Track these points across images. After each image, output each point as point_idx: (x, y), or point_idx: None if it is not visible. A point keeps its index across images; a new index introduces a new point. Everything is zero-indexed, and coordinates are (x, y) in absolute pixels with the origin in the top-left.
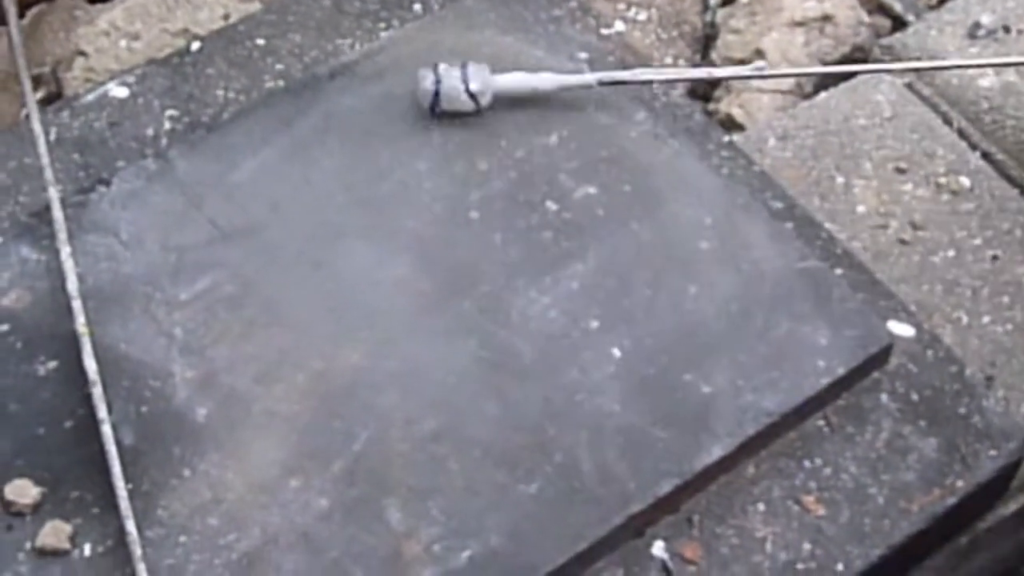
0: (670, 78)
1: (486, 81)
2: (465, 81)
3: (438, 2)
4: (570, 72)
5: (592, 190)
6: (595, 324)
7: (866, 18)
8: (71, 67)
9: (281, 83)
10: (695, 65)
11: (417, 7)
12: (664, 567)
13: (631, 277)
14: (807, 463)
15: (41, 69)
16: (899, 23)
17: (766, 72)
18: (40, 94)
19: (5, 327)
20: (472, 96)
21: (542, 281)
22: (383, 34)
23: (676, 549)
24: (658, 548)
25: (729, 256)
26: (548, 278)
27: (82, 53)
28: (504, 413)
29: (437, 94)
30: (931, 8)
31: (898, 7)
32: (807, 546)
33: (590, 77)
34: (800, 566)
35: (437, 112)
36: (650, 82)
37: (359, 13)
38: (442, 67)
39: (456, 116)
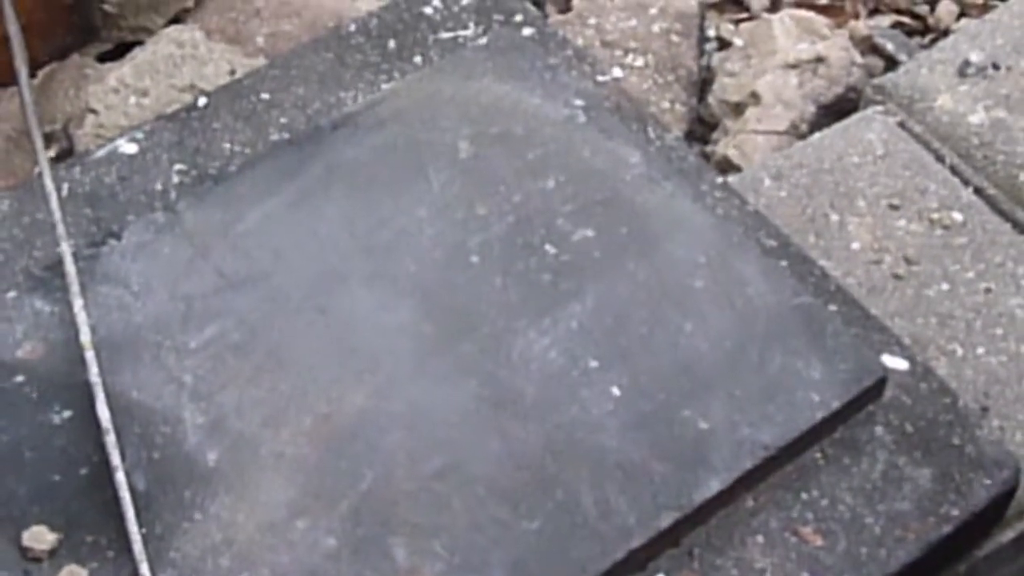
0: None
1: None
2: None
3: (437, 53)
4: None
5: (589, 232)
6: (594, 363)
7: (859, 59)
8: (82, 124)
9: (285, 135)
10: (691, 109)
11: (417, 59)
12: None
13: (628, 316)
14: (804, 495)
15: (53, 126)
16: (892, 63)
17: None
18: (52, 151)
19: (20, 378)
20: None
21: (542, 322)
22: (384, 86)
23: None
24: None
25: (724, 294)
26: (548, 319)
27: (92, 110)
28: (506, 451)
29: None
30: (923, 48)
31: (890, 47)
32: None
33: None
34: None
35: None
36: None
37: (360, 66)
38: None
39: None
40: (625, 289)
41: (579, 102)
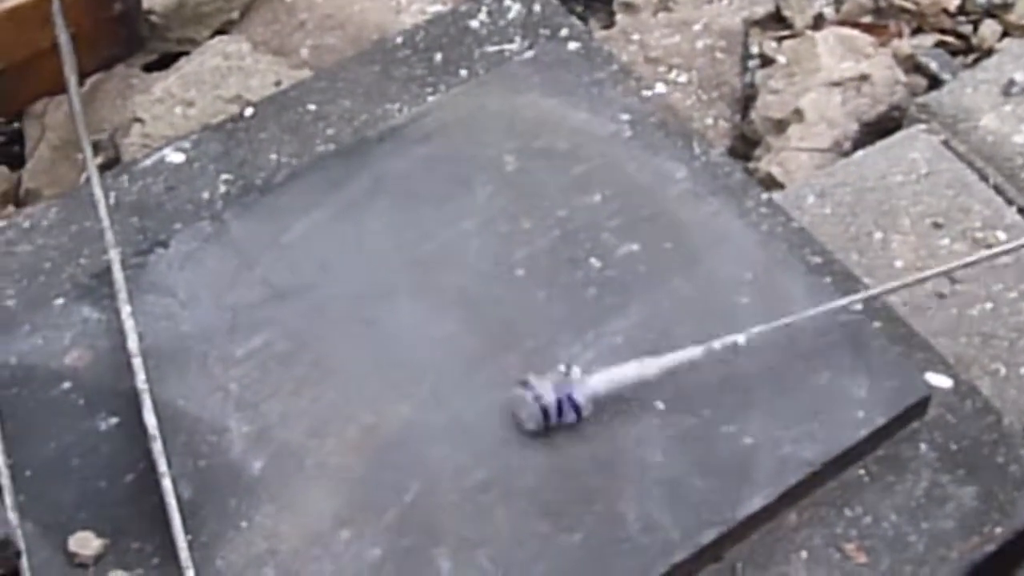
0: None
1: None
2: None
3: (483, 67)
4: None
5: (634, 247)
6: None
7: (903, 77)
8: (128, 133)
9: (331, 147)
10: (735, 126)
11: (463, 72)
12: None
13: (673, 331)
14: (848, 511)
15: (100, 136)
16: (935, 82)
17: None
18: (99, 160)
19: (67, 385)
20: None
21: (586, 336)
22: (430, 98)
23: None
24: None
25: (768, 310)
26: (592, 333)
27: (139, 120)
28: (550, 464)
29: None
30: (966, 67)
31: (934, 66)
32: None
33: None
34: None
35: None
36: None
37: (406, 78)
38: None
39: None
40: (670, 304)
41: (625, 117)
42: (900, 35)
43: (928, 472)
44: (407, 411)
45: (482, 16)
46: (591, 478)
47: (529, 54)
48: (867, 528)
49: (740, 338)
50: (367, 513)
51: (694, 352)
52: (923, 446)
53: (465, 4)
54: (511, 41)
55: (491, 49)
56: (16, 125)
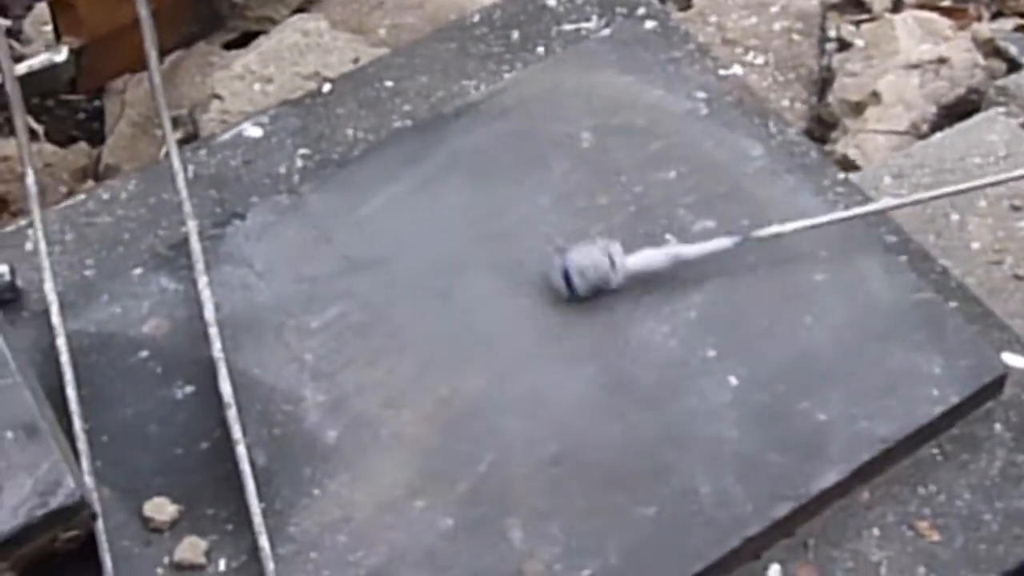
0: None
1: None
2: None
3: (560, 44)
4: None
5: (710, 223)
6: (712, 353)
7: (981, 61)
8: (207, 109)
9: (408, 122)
10: (811, 108)
11: (540, 50)
12: None
13: (748, 308)
14: (921, 489)
15: (179, 111)
16: (1014, 65)
17: None
18: (178, 135)
19: (145, 353)
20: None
21: (661, 311)
22: (507, 75)
23: (792, 572)
24: (774, 571)
25: (844, 288)
26: (667, 308)
27: (218, 96)
28: (623, 438)
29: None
30: None
31: (1013, 50)
32: (921, 570)
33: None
34: None
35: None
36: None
37: (484, 55)
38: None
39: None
40: (745, 281)
41: (701, 95)
42: (979, 19)
43: (1003, 451)
44: (481, 383)
45: None
46: (665, 452)
47: (606, 32)
48: (940, 506)
49: (780, 228)
50: (440, 483)
51: (726, 242)
52: (998, 425)
53: None
54: (588, 19)
55: (568, 27)
56: (97, 102)
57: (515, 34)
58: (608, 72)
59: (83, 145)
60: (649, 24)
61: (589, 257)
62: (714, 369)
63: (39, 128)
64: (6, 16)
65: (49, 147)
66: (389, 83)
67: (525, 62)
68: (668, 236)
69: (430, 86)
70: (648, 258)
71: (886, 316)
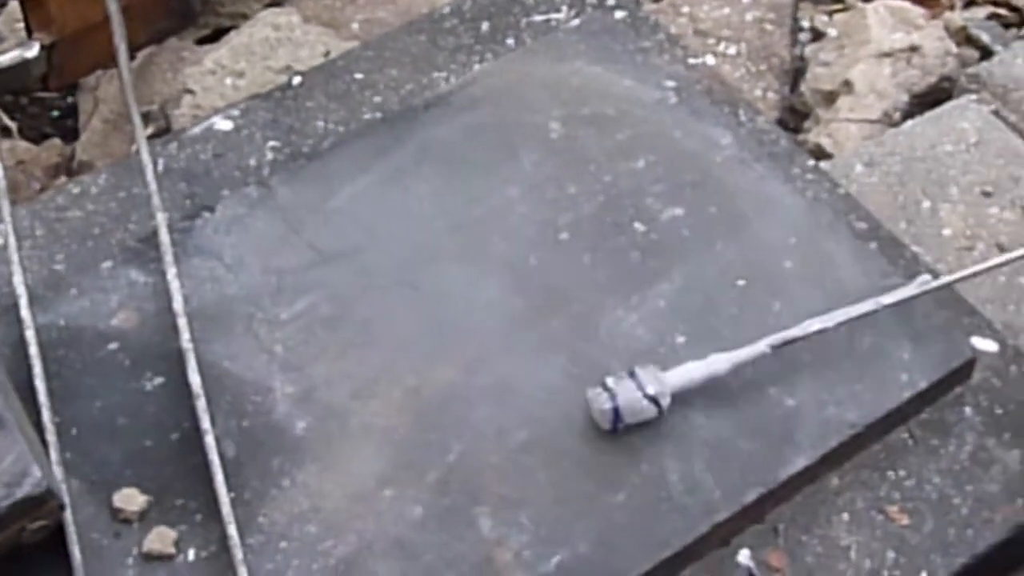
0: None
1: (662, 381)
2: (641, 388)
3: (530, 36)
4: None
5: (678, 212)
6: (681, 339)
7: (954, 49)
8: (179, 104)
9: (378, 115)
10: (784, 98)
11: (510, 41)
12: (750, 575)
13: (717, 295)
14: (891, 474)
15: (151, 107)
16: (986, 53)
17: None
18: (150, 130)
19: (114, 345)
20: (653, 400)
21: (630, 299)
22: (476, 67)
23: (761, 557)
24: (743, 556)
25: (813, 274)
26: (636, 296)
27: (189, 91)
28: (591, 425)
29: (616, 411)
30: (1018, 38)
31: (985, 38)
32: (891, 555)
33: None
34: (885, 574)
35: (621, 429)
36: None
37: (453, 48)
38: (610, 380)
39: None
40: (714, 268)
41: (670, 84)
42: (952, 7)
43: (973, 436)
44: (451, 373)
45: None
46: (634, 439)
47: (575, 23)
48: (910, 491)
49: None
50: (410, 473)
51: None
52: (968, 410)
53: None
54: (558, 10)
55: (538, 18)
56: (70, 99)
57: (485, 26)
58: (577, 62)
59: (57, 142)
60: (619, 14)
61: (634, 402)
62: (683, 356)
63: (12, 125)
64: None
65: (23, 144)
66: (359, 76)
67: (495, 53)
68: (636, 224)
69: (400, 78)
70: (689, 373)
71: (855, 302)
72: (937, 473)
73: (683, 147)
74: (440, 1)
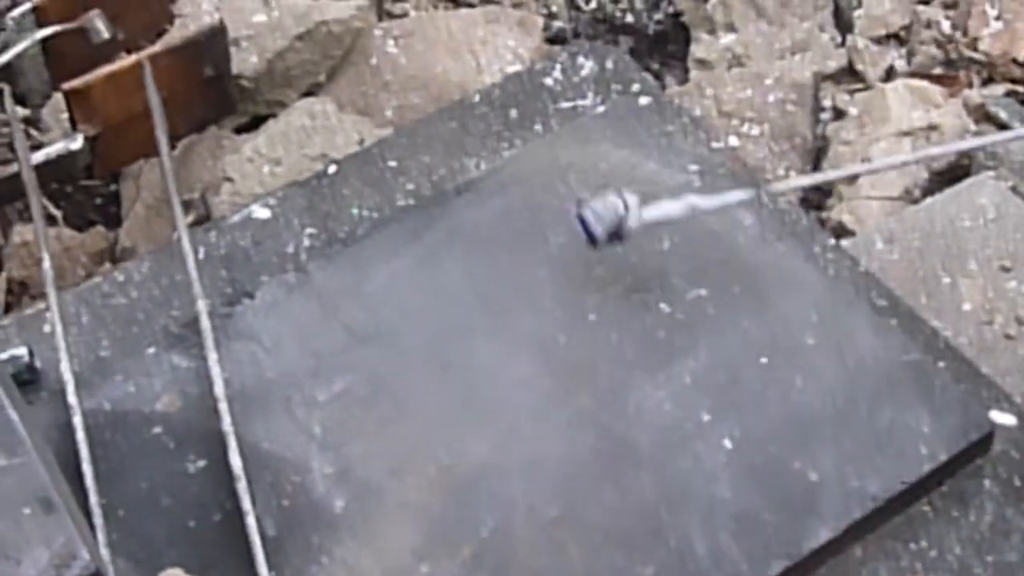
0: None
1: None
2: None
3: (557, 122)
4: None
5: (703, 291)
6: (707, 416)
7: (972, 126)
8: (219, 192)
9: (411, 200)
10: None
11: (538, 127)
12: None
13: (741, 372)
14: (913, 545)
15: (191, 194)
16: (1004, 130)
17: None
18: (191, 217)
19: (159, 429)
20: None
21: (657, 376)
22: (506, 153)
23: None
24: None
25: (834, 350)
26: (662, 374)
27: (229, 178)
28: (622, 500)
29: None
30: None
31: (1004, 115)
32: None
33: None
34: None
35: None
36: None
37: (483, 134)
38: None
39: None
40: (738, 345)
41: (694, 167)
42: (970, 85)
43: (992, 506)
44: (483, 450)
45: (556, 73)
46: (663, 513)
47: (601, 109)
48: (932, 561)
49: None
50: (444, 548)
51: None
52: (987, 481)
53: (540, 62)
54: (584, 97)
55: (565, 105)
56: (113, 186)
57: (514, 112)
58: (604, 147)
59: (100, 228)
60: (644, 100)
61: (604, 203)
62: (709, 432)
63: (58, 213)
64: (25, 105)
65: (68, 231)
66: (393, 162)
67: (524, 139)
68: (662, 304)
69: (432, 164)
70: (665, 209)
71: (875, 377)
72: (958, 543)
73: (707, 227)
74: (471, 85)
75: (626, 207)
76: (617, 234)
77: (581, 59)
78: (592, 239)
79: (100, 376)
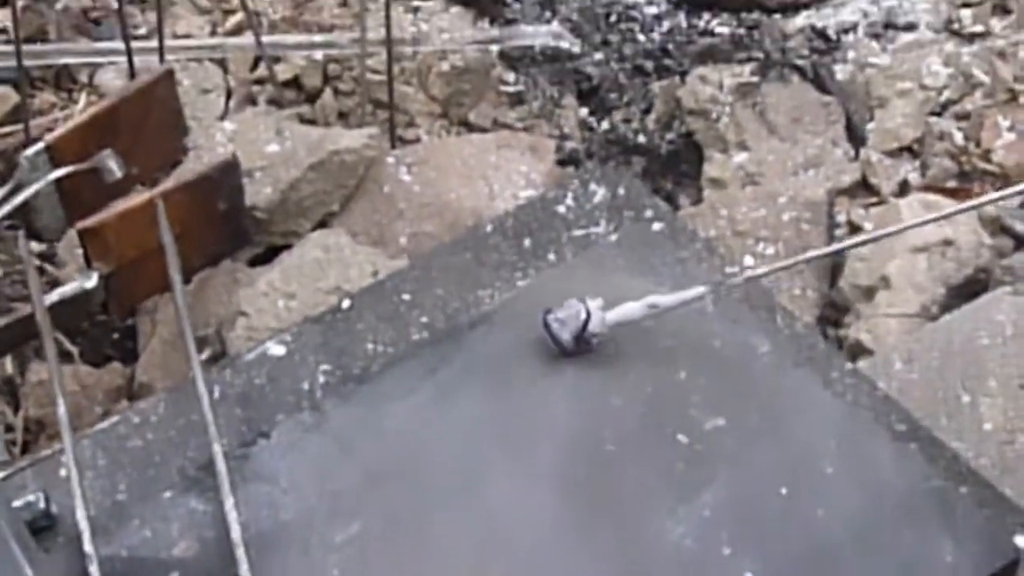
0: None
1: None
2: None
3: (571, 250)
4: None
5: (721, 422)
6: (727, 550)
7: (988, 240)
8: (234, 327)
9: (425, 334)
10: (823, 295)
11: (551, 256)
12: None
13: (761, 503)
14: None
15: (207, 330)
16: (1021, 243)
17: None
18: (206, 354)
19: (176, 574)
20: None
21: (676, 510)
22: (520, 283)
23: None
24: None
25: (854, 478)
26: (682, 507)
27: (244, 313)
28: None
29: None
30: None
31: (1019, 227)
32: None
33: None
34: None
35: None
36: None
37: (497, 264)
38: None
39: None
40: (757, 476)
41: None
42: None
43: None
44: None
45: (568, 201)
46: None
47: (614, 237)
48: None
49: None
50: None
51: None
52: None
53: (553, 190)
54: (597, 224)
55: (578, 233)
56: (129, 321)
57: (527, 241)
58: (618, 276)
59: (117, 365)
60: (657, 226)
61: (568, 310)
62: (730, 566)
63: (74, 349)
64: (40, 241)
65: (84, 368)
66: (407, 296)
67: (537, 269)
68: (680, 436)
69: (446, 297)
70: (627, 310)
71: (897, 505)
72: None
73: (723, 355)
74: (484, 212)
75: (588, 312)
76: (583, 338)
77: (593, 186)
78: (560, 346)
79: (116, 521)
